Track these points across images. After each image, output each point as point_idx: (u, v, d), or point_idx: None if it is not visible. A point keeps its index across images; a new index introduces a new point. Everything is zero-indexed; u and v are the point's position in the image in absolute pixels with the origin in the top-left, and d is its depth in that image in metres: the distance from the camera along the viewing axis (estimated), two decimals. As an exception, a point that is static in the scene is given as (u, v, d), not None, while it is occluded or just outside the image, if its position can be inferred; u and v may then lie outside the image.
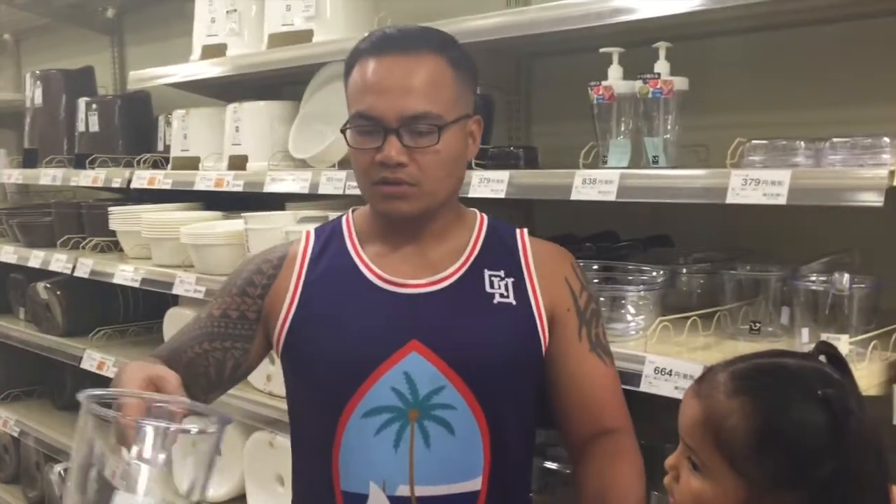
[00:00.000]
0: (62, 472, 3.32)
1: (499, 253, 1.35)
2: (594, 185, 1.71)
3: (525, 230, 1.41)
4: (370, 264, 1.32)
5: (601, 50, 1.80)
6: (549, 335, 1.33)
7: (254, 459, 2.49)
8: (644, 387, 1.47)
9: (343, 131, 1.30)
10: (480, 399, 1.27)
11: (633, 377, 1.54)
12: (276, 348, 1.36)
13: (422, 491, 1.25)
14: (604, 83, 1.77)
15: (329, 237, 1.38)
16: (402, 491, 1.25)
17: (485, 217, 1.41)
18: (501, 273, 1.32)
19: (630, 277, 1.74)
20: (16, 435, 3.61)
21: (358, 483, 1.27)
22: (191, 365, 1.33)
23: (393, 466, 1.25)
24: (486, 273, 1.32)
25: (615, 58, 1.79)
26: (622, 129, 1.79)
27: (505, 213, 2.36)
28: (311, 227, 1.43)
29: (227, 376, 1.37)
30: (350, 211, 1.42)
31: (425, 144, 1.24)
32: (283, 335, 1.33)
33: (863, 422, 0.99)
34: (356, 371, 1.26)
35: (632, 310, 1.66)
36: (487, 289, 1.30)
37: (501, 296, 1.30)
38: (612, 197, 1.67)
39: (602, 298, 1.69)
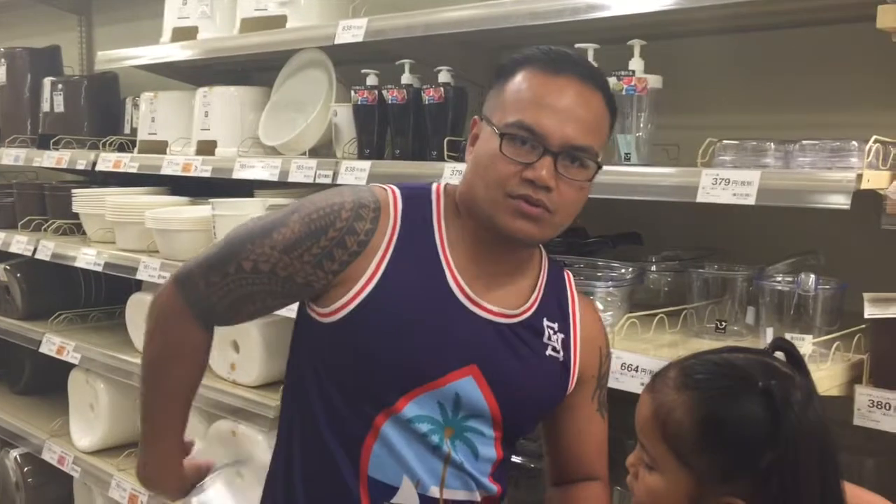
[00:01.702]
0: (18, 457, 3.26)
1: (555, 300, 1.36)
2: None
3: (570, 273, 1.43)
4: (457, 275, 1.28)
5: (576, 45, 1.80)
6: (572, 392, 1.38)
7: (215, 448, 2.47)
8: (610, 383, 1.47)
9: (500, 134, 1.21)
10: (506, 433, 1.32)
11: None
12: (333, 316, 1.25)
13: (449, 494, 1.29)
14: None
15: (416, 213, 1.29)
16: (434, 492, 1.28)
17: (544, 253, 1.39)
18: (556, 326, 1.34)
19: (599, 273, 1.74)
20: (-29, 419, 3.53)
21: (390, 474, 1.27)
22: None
23: (429, 469, 1.27)
24: (545, 322, 1.33)
25: (590, 54, 1.78)
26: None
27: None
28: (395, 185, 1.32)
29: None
30: (441, 190, 1.33)
31: (577, 177, 1.22)
32: (348, 308, 1.24)
33: (806, 414, 1.00)
34: (415, 376, 1.25)
35: (600, 306, 1.66)
36: (545, 339, 1.33)
37: (553, 349, 1.33)
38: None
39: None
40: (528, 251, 1.33)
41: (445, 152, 2.05)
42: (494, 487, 1.33)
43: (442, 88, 2.10)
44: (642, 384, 1.47)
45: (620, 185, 1.64)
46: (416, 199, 1.31)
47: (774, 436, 0.98)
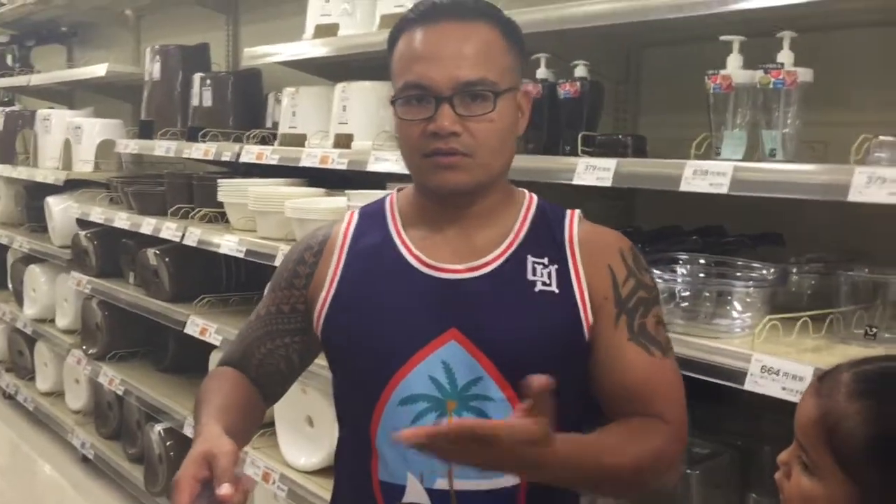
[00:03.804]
0: (161, 431, 3.46)
1: (545, 238, 1.28)
2: (706, 176, 1.66)
3: (577, 212, 1.33)
4: (411, 247, 1.28)
5: (721, 38, 1.75)
6: (593, 325, 1.25)
7: (285, 404, 2.60)
8: (749, 385, 1.43)
9: (392, 103, 1.24)
10: (519, 391, 1.15)
11: (738, 375, 1.49)
12: (317, 332, 1.33)
13: (461, 485, 1.21)
14: (722, 72, 1.72)
15: (372, 217, 1.34)
16: (441, 484, 1.21)
17: (534, 198, 1.34)
18: (545, 260, 1.26)
19: (738, 273, 1.69)
20: (120, 393, 3.78)
21: (395, 473, 1.23)
22: (262, 367, 1.36)
23: (430, 458, 1.16)
24: (530, 259, 1.25)
25: (735, 46, 1.73)
26: (738, 120, 1.73)
27: (606, 203, 2.35)
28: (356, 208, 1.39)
29: (297, 366, 1.39)
30: (395, 190, 1.38)
31: (480, 112, 1.19)
32: (321, 319, 1.30)
33: None
34: (392, 357, 1.22)
35: (738, 306, 1.61)
36: (529, 276, 1.24)
37: (544, 284, 1.24)
38: (724, 190, 1.62)
39: (707, 293, 1.65)
40: (489, 200, 1.27)
41: (580, 147, 2.04)
42: None
43: (578, 83, 2.08)
44: (784, 388, 1.44)
45: (765, 182, 1.59)
46: (372, 208, 1.37)
47: None
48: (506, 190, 1.32)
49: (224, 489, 1.06)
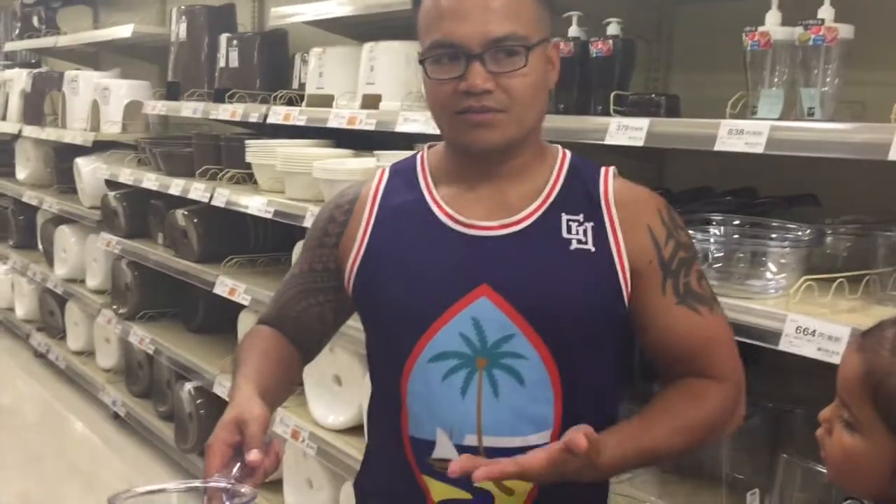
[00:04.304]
0: (191, 390, 3.51)
1: (579, 195, 1.26)
2: (741, 136, 1.64)
3: (612, 169, 1.31)
4: (442, 204, 1.27)
5: (760, -6, 1.72)
6: (633, 287, 1.23)
7: (313, 364, 2.62)
8: (784, 345, 1.42)
9: (422, 62, 1.22)
10: (553, 349, 1.20)
11: (772, 335, 1.49)
12: (347, 290, 1.32)
13: (490, 441, 1.21)
14: (760, 29, 1.69)
15: (402, 175, 1.33)
16: (470, 440, 1.21)
17: (568, 154, 1.32)
18: (580, 217, 1.24)
19: (773, 234, 1.67)
20: (150, 352, 3.83)
21: (425, 429, 1.24)
22: (297, 324, 1.38)
23: (460, 414, 1.21)
24: (564, 217, 1.24)
25: (774, 2, 1.70)
26: (775, 79, 1.70)
27: (636, 163, 2.33)
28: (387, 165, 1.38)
29: (332, 323, 1.40)
30: (426, 147, 1.36)
31: (512, 68, 1.17)
32: (352, 276, 1.30)
33: None
34: (422, 314, 1.22)
35: (773, 267, 1.60)
36: (564, 234, 1.23)
37: (579, 242, 1.22)
38: (760, 149, 1.60)
39: (741, 254, 1.64)
40: (522, 157, 1.25)
41: (612, 107, 2.01)
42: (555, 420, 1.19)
43: (611, 41, 2.05)
44: (819, 349, 1.43)
45: (802, 141, 1.56)
46: (403, 165, 1.36)
47: None
48: (538, 146, 1.30)
49: (253, 455, 1.07)
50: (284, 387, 1.33)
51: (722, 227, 1.73)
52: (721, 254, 1.66)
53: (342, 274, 1.33)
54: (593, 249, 1.23)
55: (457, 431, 1.22)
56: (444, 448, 1.23)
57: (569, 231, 1.23)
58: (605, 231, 1.24)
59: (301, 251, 1.41)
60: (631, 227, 1.24)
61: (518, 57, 1.18)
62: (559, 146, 1.35)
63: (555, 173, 1.28)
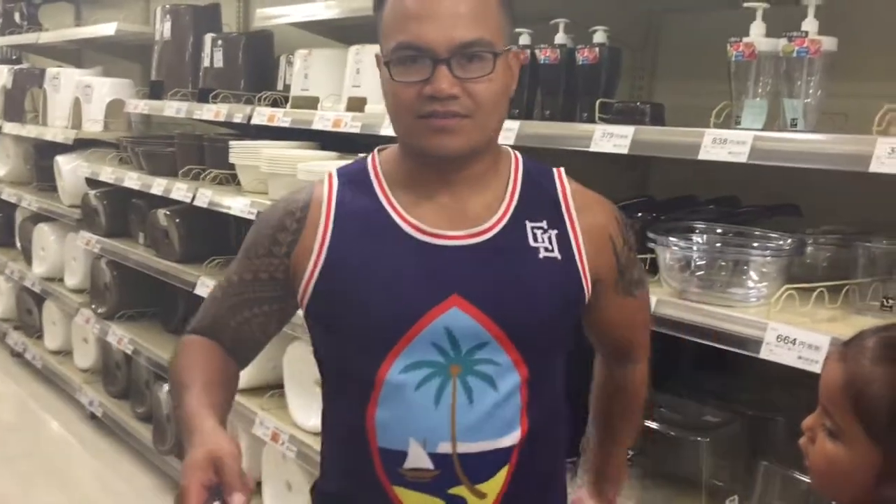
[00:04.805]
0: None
1: (538, 201, 1.27)
2: (724, 145, 1.65)
3: (562, 170, 1.32)
4: (403, 213, 1.24)
5: (745, 4, 1.73)
6: (593, 288, 1.29)
7: (293, 365, 2.61)
8: (764, 354, 1.43)
9: (386, 64, 1.18)
10: (524, 354, 1.22)
11: (753, 343, 1.50)
12: (301, 300, 1.27)
13: (463, 448, 1.21)
14: (745, 39, 1.71)
15: (353, 180, 1.29)
16: (444, 448, 1.21)
17: (519, 157, 1.31)
18: (544, 224, 1.25)
19: (755, 243, 1.69)
20: (129, 353, 3.80)
21: (396, 440, 1.22)
22: (238, 333, 1.32)
23: (434, 423, 1.20)
24: (529, 225, 1.25)
25: (759, 14, 1.71)
26: (759, 89, 1.72)
27: (620, 170, 2.34)
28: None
29: (271, 333, 1.35)
30: (375, 151, 1.32)
31: (478, 74, 1.16)
32: (310, 286, 1.25)
33: None
34: (394, 325, 1.20)
35: (754, 276, 1.62)
36: (531, 242, 1.24)
37: (546, 250, 1.24)
38: (743, 159, 1.62)
39: (723, 263, 1.66)
40: (480, 164, 1.24)
41: (597, 114, 2.03)
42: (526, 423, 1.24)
43: (597, 49, 2.07)
44: (800, 357, 1.44)
45: (785, 152, 1.58)
46: (353, 169, 1.31)
47: None
48: (495, 152, 1.29)
49: (237, 499, 1.03)
50: (228, 404, 1.28)
51: (705, 236, 1.74)
52: (703, 262, 1.67)
53: (292, 284, 1.27)
54: (560, 257, 1.25)
55: (430, 440, 1.21)
56: (417, 457, 1.22)
57: (535, 239, 1.24)
58: (568, 238, 1.26)
59: (241, 258, 1.33)
60: (592, 234, 1.28)
61: (485, 63, 1.17)
62: (507, 147, 1.34)
63: (511, 177, 1.29)
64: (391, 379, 1.21)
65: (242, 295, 1.31)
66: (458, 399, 1.21)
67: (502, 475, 1.24)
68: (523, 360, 1.23)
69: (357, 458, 1.26)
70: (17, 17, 5.81)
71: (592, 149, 1.90)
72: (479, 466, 1.23)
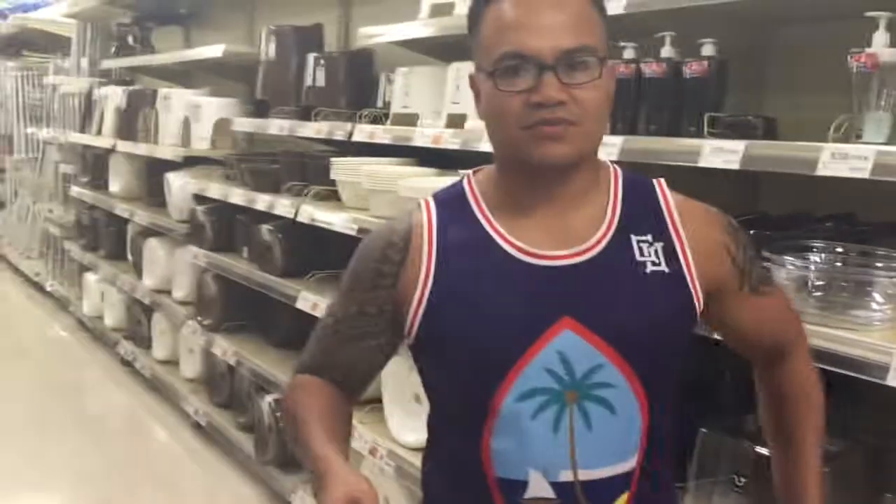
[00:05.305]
0: (272, 402, 3.56)
1: (642, 214, 1.25)
2: (845, 160, 1.58)
3: (663, 181, 1.30)
4: (506, 235, 1.22)
5: (867, 14, 1.66)
6: (709, 299, 1.25)
7: (392, 380, 2.61)
8: (892, 381, 1.36)
9: (491, 74, 1.17)
10: (640, 374, 1.19)
11: (879, 369, 1.42)
12: (409, 332, 1.26)
13: (585, 475, 1.19)
14: (867, 50, 1.63)
15: (451, 205, 1.27)
16: (565, 476, 1.19)
17: (618, 170, 1.29)
18: (649, 238, 1.23)
19: (879, 263, 1.60)
20: (233, 364, 3.91)
21: (515, 469, 1.20)
22: (349, 368, 1.32)
23: (553, 451, 1.18)
24: (634, 239, 1.22)
25: (882, 23, 1.64)
26: (882, 102, 1.64)
27: (729, 187, 2.27)
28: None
29: (380, 366, 1.35)
30: (470, 173, 1.31)
31: (586, 80, 1.15)
32: (417, 318, 1.24)
33: None
34: (506, 354, 1.18)
35: (879, 298, 1.53)
36: (637, 257, 1.21)
37: (653, 264, 1.21)
38: (865, 174, 1.54)
39: (844, 283, 1.58)
40: (582, 178, 1.22)
41: (706, 129, 1.97)
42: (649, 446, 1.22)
43: (706, 62, 2.01)
44: (931, 385, 1.36)
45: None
46: (450, 194, 1.30)
47: None
48: (595, 166, 1.28)
49: None
50: (348, 443, 1.30)
51: (823, 255, 1.66)
52: (822, 282, 1.60)
53: (398, 316, 1.26)
54: (667, 270, 1.22)
55: (551, 469, 1.19)
56: (538, 487, 1.19)
57: (641, 254, 1.22)
58: (675, 250, 1.23)
59: (345, 292, 1.31)
60: (700, 244, 1.25)
61: (591, 69, 1.16)
62: (607, 161, 1.32)
63: (612, 192, 1.26)
64: (506, 408, 1.19)
65: (351, 330, 1.30)
66: (577, 426, 1.18)
67: (623, 500, 1.22)
68: (639, 381, 1.20)
69: (472, 488, 1.24)
70: (130, 40, 6.10)
71: (701, 164, 1.85)
72: (601, 492, 1.20)
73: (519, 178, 1.23)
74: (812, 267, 1.62)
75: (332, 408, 1.29)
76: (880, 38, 1.65)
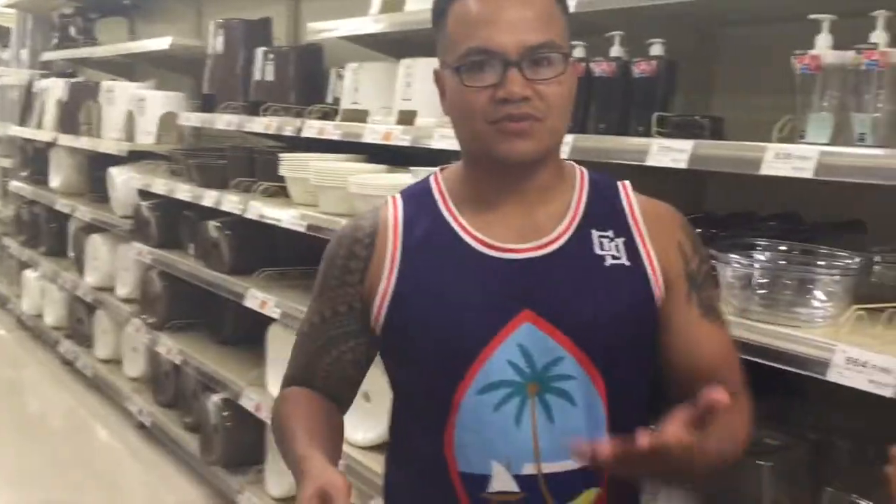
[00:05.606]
0: (218, 401, 3.51)
1: (605, 212, 1.27)
2: (788, 160, 1.61)
3: (627, 183, 1.32)
4: (470, 229, 1.23)
5: (810, 16, 1.69)
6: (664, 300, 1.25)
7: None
8: (833, 377, 1.38)
9: (456, 70, 1.17)
10: (600, 367, 1.20)
11: (820, 365, 1.45)
12: (374, 325, 1.26)
13: (548, 468, 1.19)
14: (811, 52, 1.66)
15: (419, 201, 1.28)
16: (529, 469, 1.19)
17: (584, 171, 1.31)
18: (610, 233, 1.24)
19: (821, 262, 1.63)
20: (177, 363, 3.84)
21: (478, 463, 1.20)
22: (330, 377, 1.31)
23: (516, 443, 1.19)
24: (595, 234, 1.24)
25: (825, 26, 1.67)
26: (825, 103, 1.67)
27: (675, 185, 2.29)
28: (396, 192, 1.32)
29: (365, 367, 1.34)
30: (438, 170, 1.32)
31: (550, 75, 1.16)
32: (382, 311, 1.25)
33: None
34: (469, 346, 1.19)
35: (820, 296, 1.56)
36: (597, 251, 1.23)
37: (613, 257, 1.23)
38: (808, 174, 1.57)
39: (787, 281, 1.60)
40: (547, 173, 1.24)
41: (654, 128, 1.99)
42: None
43: (654, 62, 2.03)
44: (871, 381, 1.39)
45: (852, 167, 1.52)
46: (416, 190, 1.31)
47: None
48: (559, 163, 1.29)
49: None
50: (339, 452, 1.28)
51: (767, 253, 1.69)
52: (766, 280, 1.62)
53: (367, 312, 1.27)
54: (628, 264, 1.23)
55: (514, 462, 1.19)
56: (501, 481, 1.20)
57: (601, 247, 1.24)
58: (636, 245, 1.25)
59: (316, 296, 1.32)
60: (660, 241, 1.26)
61: (555, 65, 1.18)
62: (572, 162, 1.34)
63: (577, 189, 1.28)
64: (468, 401, 1.19)
65: (326, 334, 1.30)
66: (539, 418, 1.19)
67: (590, 495, 1.22)
68: (599, 373, 1.20)
69: (435, 484, 1.23)
70: (72, 31, 5.95)
71: (649, 163, 1.86)
72: (565, 486, 1.21)
73: (485, 173, 1.24)
74: (756, 265, 1.64)
75: (317, 413, 1.28)
76: (823, 40, 1.68)
